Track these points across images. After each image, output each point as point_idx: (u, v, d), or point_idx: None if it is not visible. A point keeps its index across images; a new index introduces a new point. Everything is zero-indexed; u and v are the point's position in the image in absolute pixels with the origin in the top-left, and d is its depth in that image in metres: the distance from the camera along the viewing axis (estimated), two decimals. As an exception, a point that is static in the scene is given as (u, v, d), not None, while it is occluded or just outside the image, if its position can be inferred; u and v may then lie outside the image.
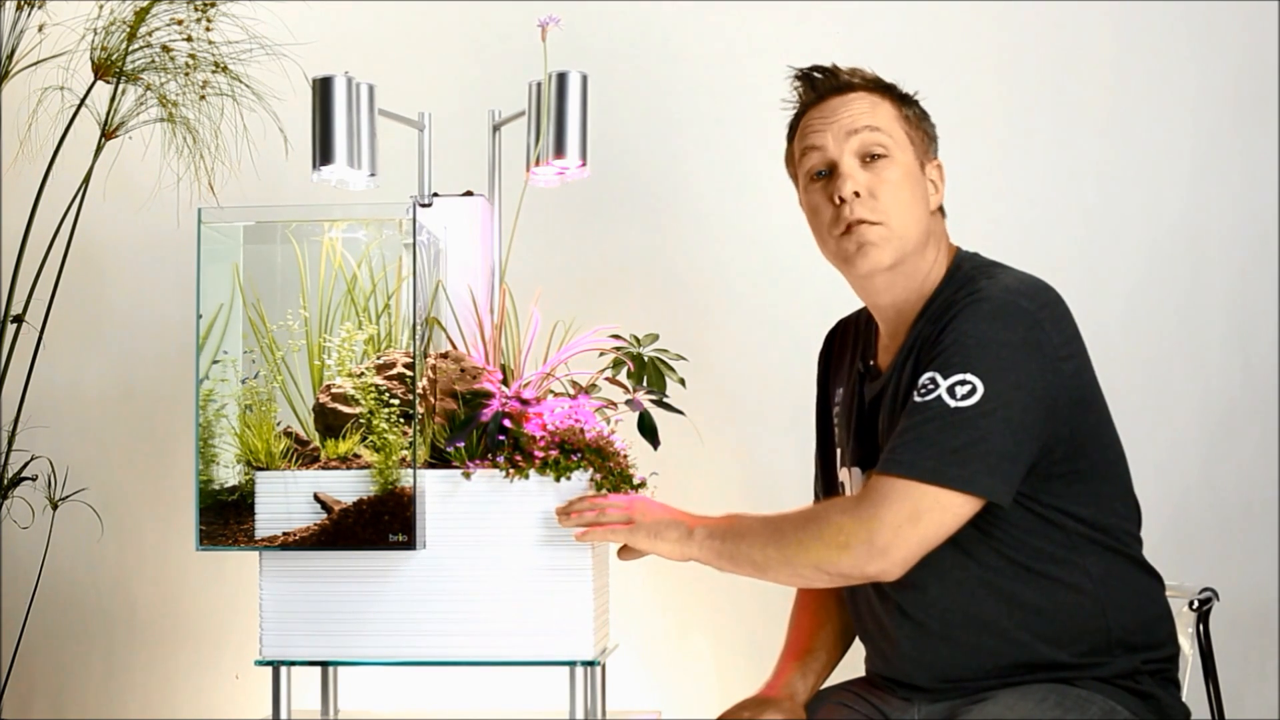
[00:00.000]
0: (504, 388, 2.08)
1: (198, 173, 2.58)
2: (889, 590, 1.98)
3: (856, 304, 2.23)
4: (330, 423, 2.05)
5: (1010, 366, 1.85)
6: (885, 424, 1.98)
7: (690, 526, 1.98)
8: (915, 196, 1.97)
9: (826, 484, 2.16)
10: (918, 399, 1.86)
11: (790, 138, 2.07)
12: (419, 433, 2.00)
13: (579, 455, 2.03)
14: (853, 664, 2.18)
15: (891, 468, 1.84)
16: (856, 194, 1.95)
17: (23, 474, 2.69)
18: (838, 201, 1.96)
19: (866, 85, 2.01)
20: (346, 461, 2.03)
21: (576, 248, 2.95)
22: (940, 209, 2.03)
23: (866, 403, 2.03)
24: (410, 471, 1.98)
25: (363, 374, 2.04)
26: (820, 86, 2.02)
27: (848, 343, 2.15)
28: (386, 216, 2.10)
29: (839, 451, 2.10)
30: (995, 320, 1.87)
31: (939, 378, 1.84)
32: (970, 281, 1.94)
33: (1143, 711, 1.93)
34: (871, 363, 2.06)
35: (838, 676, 2.16)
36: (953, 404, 1.83)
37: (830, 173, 1.98)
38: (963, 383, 1.83)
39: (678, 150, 2.99)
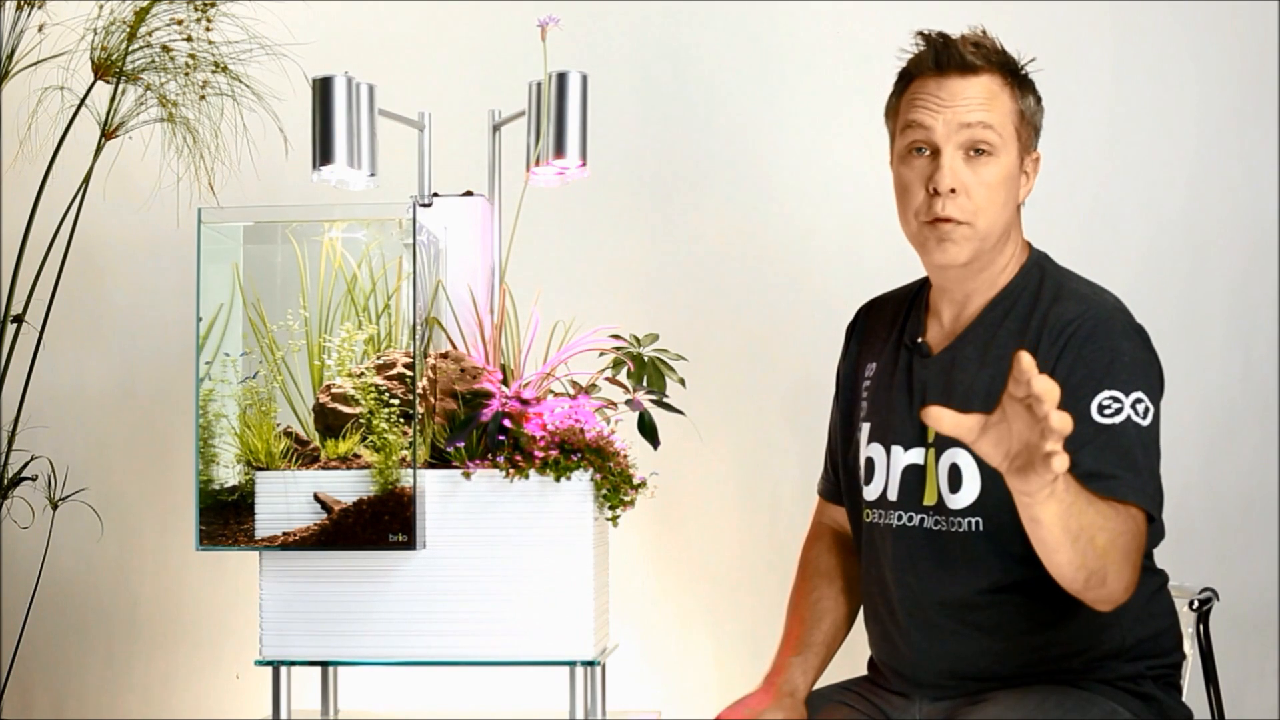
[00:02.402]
0: (504, 388, 2.08)
1: (198, 173, 2.58)
2: (906, 579, 1.98)
3: (860, 302, 2.23)
4: (330, 423, 2.05)
5: (1157, 385, 1.89)
6: (937, 404, 1.95)
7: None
8: (1009, 196, 1.96)
9: (846, 460, 2.14)
10: (1101, 420, 1.83)
11: (899, 91, 2.01)
12: (419, 433, 2.00)
13: (579, 455, 2.03)
14: (853, 660, 2.18)
15: (1141, 500, 1.81)
16: (953, 190, 1.92)
17: (23, 474, 2.69)
18: (931, 191, 1.93)
19: (990, 68, 1.95)
20: (346, 461, 2.03)
21: (576, 248, 2.95)
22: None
23: (914, 380, 2.02)
24: (410, 471, 1.98)
25: (363, 374, 2.04)
26: (943, 61, 1.95)
27: (885, 319, 2.12)
28: (386, 216, 2.09)
29: (865, 427, 2.07)
30: (1135, 338, 1.90)
31: (1121, 396, 1.83)
32: (1071, 292, 1.95)
33: (1144, 713, 1.93)
34: (921, 339, 2.04)
35: (839, 666, 2.15)
36: (1144, 423, 1.84)
37: (931, 153, 1.94)
38: (1139, 401, 1.84)
39: (678, 150, 2.99)
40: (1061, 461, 1.52)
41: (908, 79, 2.00)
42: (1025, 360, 1.49)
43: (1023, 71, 1.99)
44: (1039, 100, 2.02)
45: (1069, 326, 1.89)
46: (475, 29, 2.99)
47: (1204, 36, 2.90)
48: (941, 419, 1.57)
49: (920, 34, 1.98)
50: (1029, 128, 1.99)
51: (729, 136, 2.97)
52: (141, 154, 2.68)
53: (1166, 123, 2.90)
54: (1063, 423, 1.49)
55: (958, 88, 1.94)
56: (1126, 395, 1.83)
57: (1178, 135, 2.90)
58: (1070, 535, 1.68)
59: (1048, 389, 1.49)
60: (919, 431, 1.98)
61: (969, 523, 1.92)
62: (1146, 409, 1.84)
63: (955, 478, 1.93)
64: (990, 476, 1.90)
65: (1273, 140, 2.87)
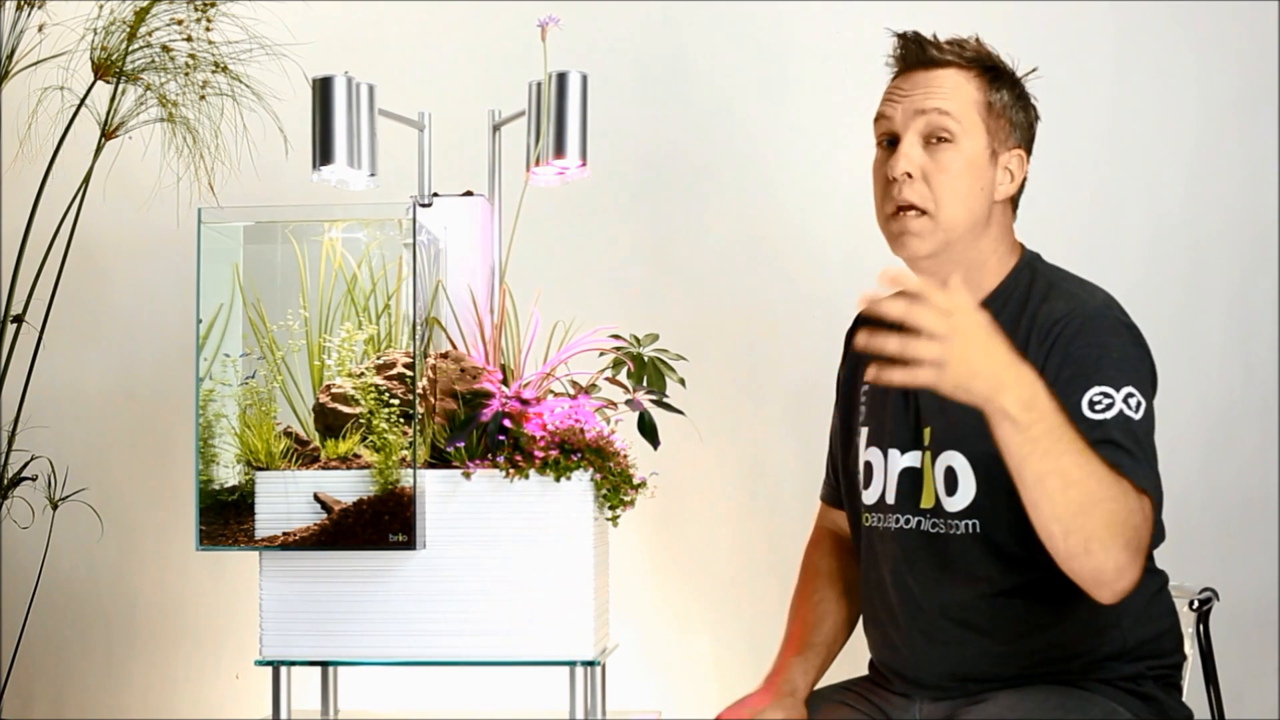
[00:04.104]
0: (504, 388, 2.08)
1: (198, 173, 2.58)
2: (906, 582, 1.98)
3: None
4: (330, 423, 2.05)
5: (1149, 380, 1.87)
6: (931, 408, 1.96)
7: (1021, 401, 1.63)
8: (974, 186, 1.95)
9: (845, 467, 2.13)
10: (1093, 415, 1.81)
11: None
12: (419, 433, 2.00)
13: (579, 455, 2.03)
14: (854, 661, 2.18)
15: (1142, 482, 1.77)
16: (909, 175, 1.93)
17: (23, 474, 2.69)
18: (889, 178, 1.95)
19: (959, 62, 1.97)
20: (346, 461, 2.03)
21: (576, 248, 2.95)
22: (1012, 200, 2.01)
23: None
24: (410, 471, 1.98)
25: (363, 374, 2.04)
26: (908, 57, 1.99)
27: (883, 325, 2.13)
28: (386, 216, 2.09)
29: (863, 432, 2.07)
30: (1125, 333, 1.89)
31: (1111, 391, 1.82)
32: (1061, 291, 1.93)
33: (1144, 712, 1.93)
34: None
35: (839, 667, 2.16)
36: (1136, 417, 1.82)
37: (894, 144, 1.97)
38: (1130, 395, 1.83)
39: (678, 150, 2.99)
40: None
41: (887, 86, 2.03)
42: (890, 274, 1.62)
43: (1010, 72, 2.00)
44: (1024, 99, 2.01)
45: (1057, 325, 1.89)
46: (475, 29, 2.99)
47: (1204, 36, 2.90)
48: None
49: (895, 34, 2.01)
50: (1001, 120, 1.97)
51: (729, 136, 2.97)
52: (141, 154, 2.68)
53: (1166, 123, 2.90)
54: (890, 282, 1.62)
55: (919, 79, 1.97)
56: (1117, 390, 1.82)
57: (1178, 135, 2.90)
58: (1035, 475, 1.64)
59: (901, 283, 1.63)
60: (915, 435, 1.98)
61: (966, 525, 1.92)
62: (1139, 403, 1.83)
63: (951, 480, 1.93)
64: (986, 479, 1.91)
65: (1273, 140, 2.87)
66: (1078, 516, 1.67)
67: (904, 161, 1.93)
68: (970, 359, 1.62)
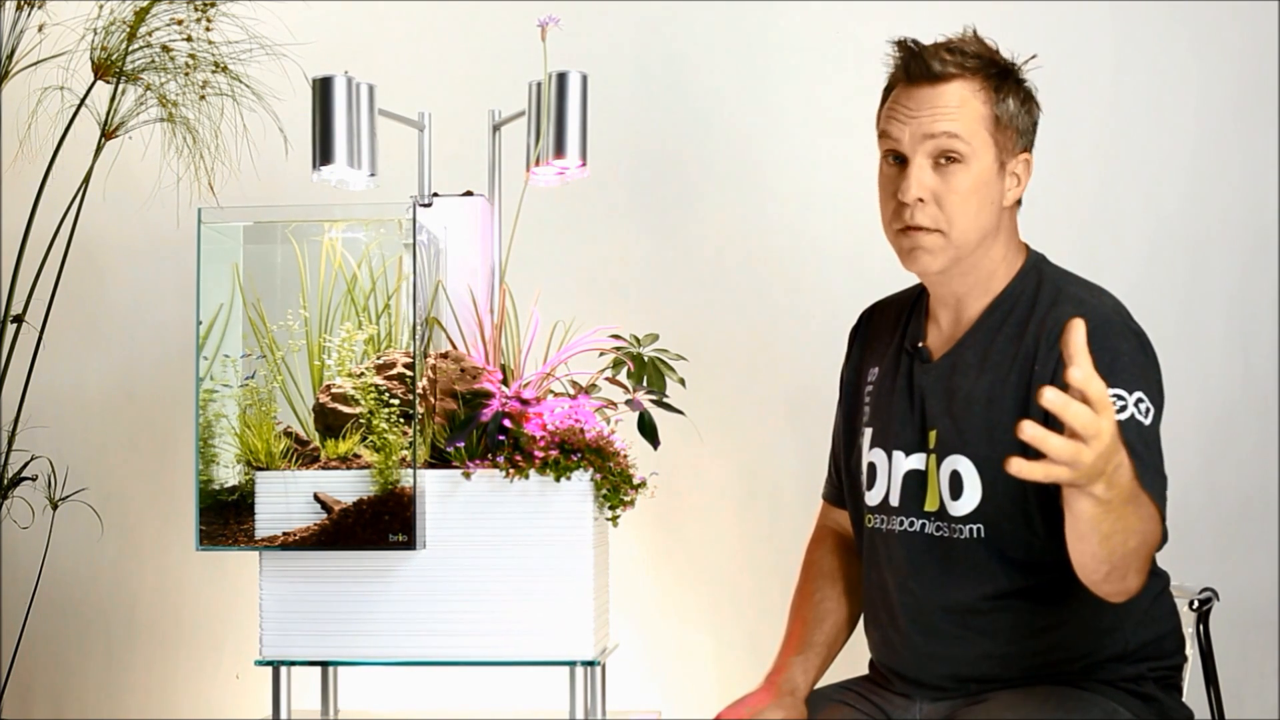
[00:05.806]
0: (504, 388, 2.08)
1: (198, 173, 2.58)
2: (909, 584, 1.98)
3: (861, 304, 2.22)
4: (330, 423, 2.05)
5: (1157, 389, 1.87)
6: (937, 411, 1.96)
7: (1107, 481, 1.58)
8: (984, 202, 1.92)
9: (848, 466, 2.13)
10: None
11: (882, 100, 2.00)
12: (419, 433, 2.00)
13: (579, 455, 2.03)
14: (854, 660, 2.18)
15: (1153, 491, 1.74)
16: (920, 199, 1.91)
17: (23, 474, 2.69)
18: (900, 200, 1.93)
19: (963, 74, 1.92)
20: (346, 461, 2.03)
21: (576, 248, 2.95)
22: (1017, 202, 1.99)
23: (914, 386, 2.01)
24: (410, 471, 1.98)
25: (362, 374, 2.04)
26: (911, 72, 1.93)
27: (887, 323, 2.11)
28: (386, 216, 2.10)
29: (867, 432, 2.06)
30: (1134, 340, 1.88)
31: (1124, 394, 1.81)
32: (1069, 296, 1.93)
33: (1144, 712, 1.93)
34: (921, 345, 2.03)
35: (839, 667, 2.16)
36: (1145, 422, 1.81)
37: (901, 161, 1.94)
38: (1140, 400, 1.82)
39: (677, 150, 2.99)
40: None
41: (889, 90, 1.99)
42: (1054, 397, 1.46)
43: (1013, 71, 1.96)
44: (1028, 100, 1.98)
45: (1043, 325, 1.89)
46: (475, 29, 2.99)
47: (1204, 36, 2.90)
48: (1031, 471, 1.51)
49: (895, 43, 1.97)
50: (1008, 131, 1.94)
51: (730, 136, 2.97)
52: (141, 154, 2.68)
53: (1166, 122, 2.90)
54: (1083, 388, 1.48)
55: (925, 97, 1.92)
56: (1129, 393, 1.81)
57: (1178, 135, 2.90)
58: (1101, 534, 1.64)
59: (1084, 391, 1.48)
60: (920, 437, 1.98)
61: (971, 529, 1.92)
62: (1148, 409, 1.82)
63: (956, 484, 1.93)
64: (991, 484, 1.90)
65: (1273, 140, 2.87)
66: (1125, 557, 1.70)
67: (916, 187, 1.90)
68: (1101, 459, 1.53)
